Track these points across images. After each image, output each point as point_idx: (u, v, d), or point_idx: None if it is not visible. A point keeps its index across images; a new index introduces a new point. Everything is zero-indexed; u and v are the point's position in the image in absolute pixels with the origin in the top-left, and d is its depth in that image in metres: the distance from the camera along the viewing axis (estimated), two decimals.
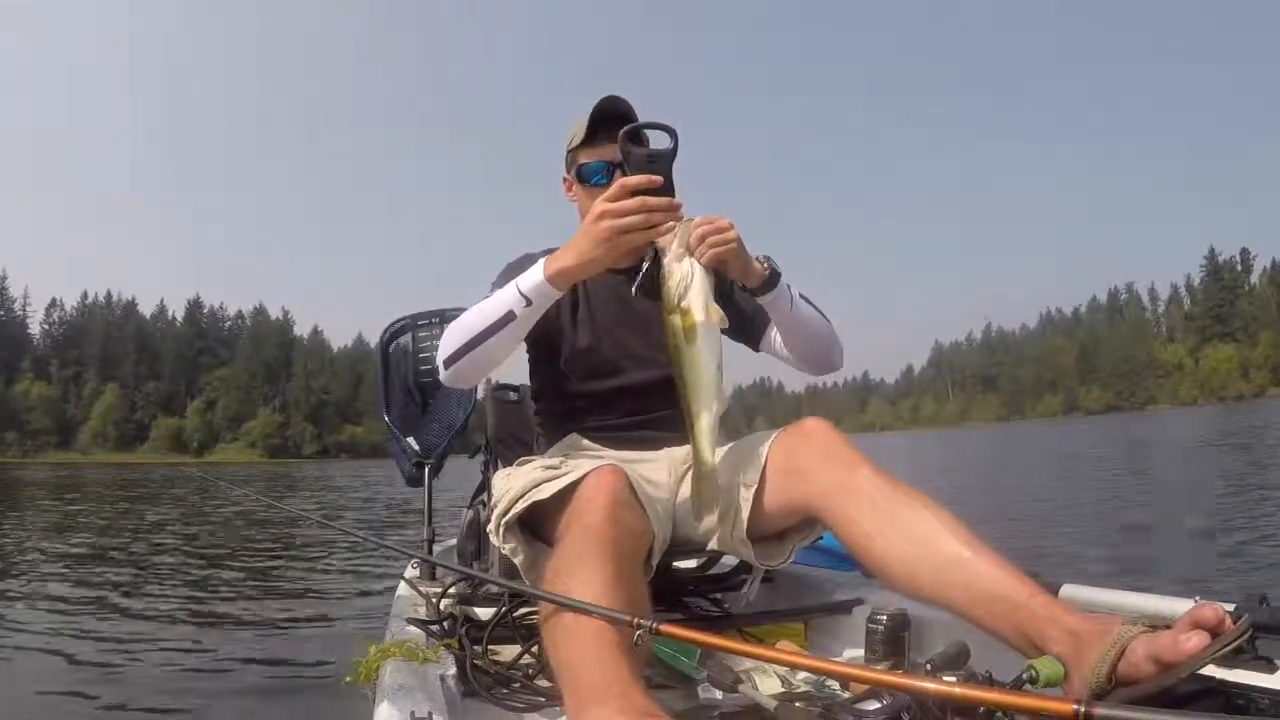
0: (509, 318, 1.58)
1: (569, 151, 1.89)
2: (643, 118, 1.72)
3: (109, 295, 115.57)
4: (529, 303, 1.57)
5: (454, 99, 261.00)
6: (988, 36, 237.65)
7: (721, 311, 1.49)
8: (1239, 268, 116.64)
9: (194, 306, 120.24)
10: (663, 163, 1.50)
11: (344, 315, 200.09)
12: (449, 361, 1.68)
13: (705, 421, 1.47)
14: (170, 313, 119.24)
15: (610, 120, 1.73)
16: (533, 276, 1.56)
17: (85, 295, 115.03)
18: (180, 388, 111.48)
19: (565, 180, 1.93)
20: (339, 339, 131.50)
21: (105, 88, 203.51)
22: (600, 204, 1.48)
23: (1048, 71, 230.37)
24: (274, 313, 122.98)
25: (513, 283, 1.59)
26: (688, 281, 1.48)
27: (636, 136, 1.62)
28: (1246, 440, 17.01)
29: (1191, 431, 24.48)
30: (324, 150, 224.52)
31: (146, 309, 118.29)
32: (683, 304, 1.48)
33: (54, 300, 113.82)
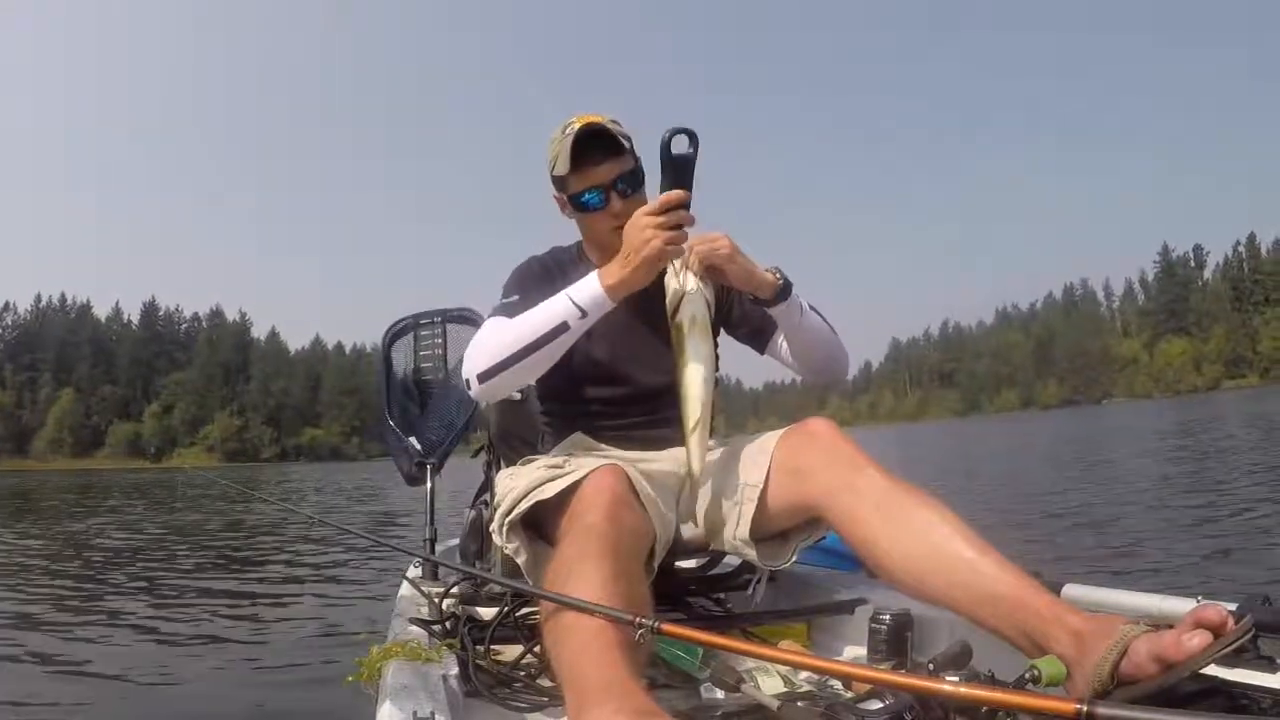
0: (562, 329, 1.60)
1: (555, 177, 1.80)
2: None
3: (63, 298, 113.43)
4: (584, 314, 1.59)
5: (422, 102, 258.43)
6: (955, 35, 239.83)
7: (707, 324, 1.58)
8: (1192, 263, 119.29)
9: (149, 309, 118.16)
10: (687, 170, 1.53)
11: (300, 317, 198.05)
12: (488, 375, 1.64)
13: (689, 430, 1.56)
14: (125, 315, 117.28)
15: (591, 144, 1.71)
16: (590, 290, 1.58)
17: (39, 298, 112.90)
18: (137, 392, 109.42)
19: (557, 199, 1.86)
20: (296, 341, 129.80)
21: (48, 82, 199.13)
22: (646, 223, 1.53)
23: (1006, 70, 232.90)
24: (231, 314, 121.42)
25: (561, 295, 1.60)
26: (681, 294, 1.59)
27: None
28: (1225, 435, 16.88)
29: (1154, 424, 24.56)
30: (287, 150, 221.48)
31: (101, 312, 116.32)
32: (676, 318, 1.59)
33: (7, 304, 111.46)
